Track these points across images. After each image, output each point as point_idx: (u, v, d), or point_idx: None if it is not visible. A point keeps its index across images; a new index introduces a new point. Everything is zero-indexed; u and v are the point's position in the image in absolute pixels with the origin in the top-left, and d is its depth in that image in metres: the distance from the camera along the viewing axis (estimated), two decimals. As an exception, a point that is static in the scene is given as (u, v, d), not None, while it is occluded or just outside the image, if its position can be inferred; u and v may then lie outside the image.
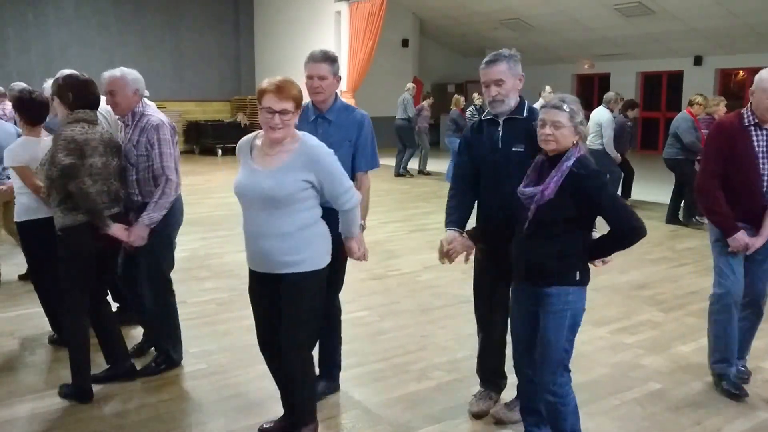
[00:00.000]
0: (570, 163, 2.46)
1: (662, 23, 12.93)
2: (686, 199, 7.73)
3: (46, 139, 3.87)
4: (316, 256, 2.65)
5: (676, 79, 14.98)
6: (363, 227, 3.03)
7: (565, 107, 2.47)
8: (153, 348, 3.74)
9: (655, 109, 15.77)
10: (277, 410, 3.13)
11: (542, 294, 2.53)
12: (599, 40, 14.61)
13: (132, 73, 3.43)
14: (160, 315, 3.60)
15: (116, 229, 3.22)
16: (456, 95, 11.67)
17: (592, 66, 16.47)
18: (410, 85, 12.40)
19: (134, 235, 3.29)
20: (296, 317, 2.65)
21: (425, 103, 12.11)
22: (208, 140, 15.15)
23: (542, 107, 2.61)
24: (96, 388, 3.35)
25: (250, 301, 2.82)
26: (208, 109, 16.34)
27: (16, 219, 3.87)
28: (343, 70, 13.62)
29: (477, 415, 3.12)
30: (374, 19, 13.09)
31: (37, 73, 13.38)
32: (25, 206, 3.78)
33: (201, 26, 16.23)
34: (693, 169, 7.71)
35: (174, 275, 3.69)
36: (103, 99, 3.47)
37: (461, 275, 5.58)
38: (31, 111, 3.80)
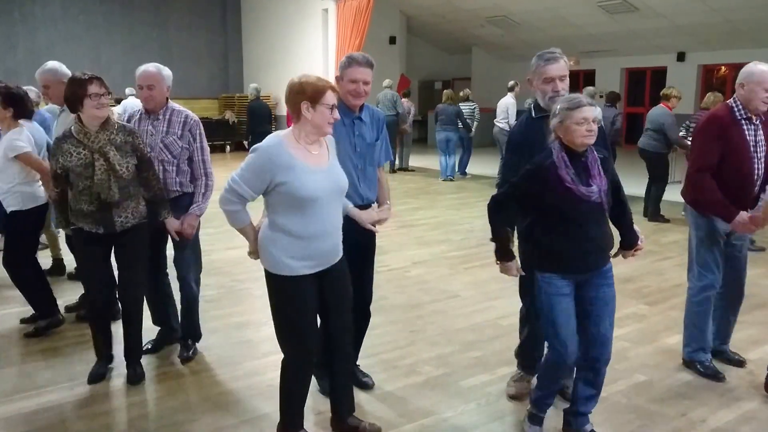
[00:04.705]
0: (594, 152, 2.64)
1: (646, 20, 13.05)
2: (656, 194, 7.68)
3: (27, 124, 4.15)
4: None
5: (659, 75, 15.12)
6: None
7: (595, 105, 2.62)
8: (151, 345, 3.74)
9: (639, 105, 15.91)
10: (266, 409, 3.13)
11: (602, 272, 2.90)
12: (584, 36, 14.71)
13: (166, 69, 3.60)
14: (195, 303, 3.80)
15: (170, 222, 3.44)
16: (447, 90, 11.58)
17: (577, 62, 16.53)
18: (389, 81, 12.15)
19: (186, 224, 3.48)
20: (349, 302, 2.79)
21: (405, 101, 12.06)
22: (196, 138, 15.07)
23: (576, 106, 2.54)
24: (81, 387, 3.36)
25: (294, 311, 2.58)
26: (196, 107, 16.22)
27: (14, 208, 4.03)
28: (331, 68, 13.63)
29: (514, 397, 3.25)
30: (361, 17, 13.06)
31: (23, 71, 13.26)
32: (30, 195, 4.03)
33: (188, 24, 16.15)
34: (668, 163, 7.77)
35: (162, 273, 3.68)
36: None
37: (449, 271, 5.61)
38: (20, 106, 4.08)
